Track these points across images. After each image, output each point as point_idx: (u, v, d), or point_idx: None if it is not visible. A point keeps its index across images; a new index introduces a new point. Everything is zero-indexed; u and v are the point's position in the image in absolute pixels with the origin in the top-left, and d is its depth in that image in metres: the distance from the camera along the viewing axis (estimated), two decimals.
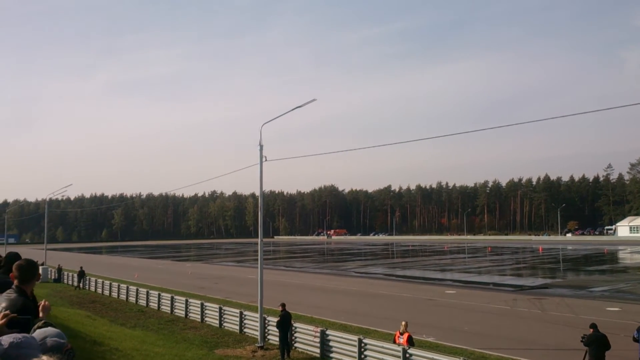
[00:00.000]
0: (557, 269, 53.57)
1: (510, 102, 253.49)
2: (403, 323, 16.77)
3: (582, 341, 14.68)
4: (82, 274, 43.79)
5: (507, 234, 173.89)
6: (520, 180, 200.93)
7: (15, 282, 4.04)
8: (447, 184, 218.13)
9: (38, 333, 3.03)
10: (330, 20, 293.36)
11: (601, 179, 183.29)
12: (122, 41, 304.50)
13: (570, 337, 18.99)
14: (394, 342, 16.59)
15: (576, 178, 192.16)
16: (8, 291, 3.98)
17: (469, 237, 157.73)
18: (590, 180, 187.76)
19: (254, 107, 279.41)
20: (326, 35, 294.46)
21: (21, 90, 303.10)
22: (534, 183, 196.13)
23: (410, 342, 16.25)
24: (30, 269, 4.15)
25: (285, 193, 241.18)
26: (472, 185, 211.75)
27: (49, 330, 3.10)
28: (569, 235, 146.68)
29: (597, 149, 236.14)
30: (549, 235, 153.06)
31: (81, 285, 43.35)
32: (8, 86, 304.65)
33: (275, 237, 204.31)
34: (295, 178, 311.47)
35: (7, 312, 4.09)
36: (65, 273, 49.50)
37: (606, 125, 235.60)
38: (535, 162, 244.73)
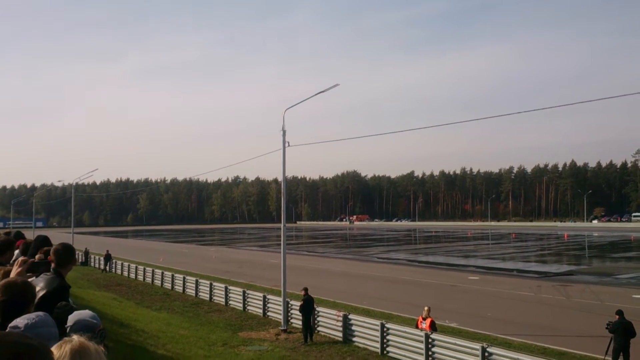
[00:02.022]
0: (582, 256, 52.92)
1: (537, 87, 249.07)
2: (426, 308, 16.81)
3: (607, 328, 14.55)
4: (108, 258, 44.61)
5: (531, 221, 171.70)
6: (546, 166, 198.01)
7: (53, 265, 4.30)
8: (471, 169, 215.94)
9: (73, 315, 3.13)
10: (354, 4, 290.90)
11: (629, 164, 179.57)
12: (146, 26, 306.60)
13: (595, 324, 18.81)
14: (417, 327, 16.65)
15: (603, 164, 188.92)
16: (46, 273, 4.24)
17: (492, 223, 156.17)
18: (618, 166, 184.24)
19: (277, 93, 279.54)
20: (350, 19, 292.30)
21: (49, 76, 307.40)
22: (560, 169, 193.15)
23: (433, 327, 16.29)
24: (66, 254, 4.40)
25: (307, 179, 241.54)
26: (497, 171, 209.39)
27: (84, 312, 3.20)
28: (595, 222, 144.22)
29: (626, 135, 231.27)
30: (575, 221, 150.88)
31: (108, 268, 44.18)
32: (37, 72, 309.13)
33: (298, 222, 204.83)
34: (317, 164, 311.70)
35: (26, 258, 4.32)
36: (92, 256, 50.45)
37: (635, 110, 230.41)
38: (561, 147, 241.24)
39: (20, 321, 2.39)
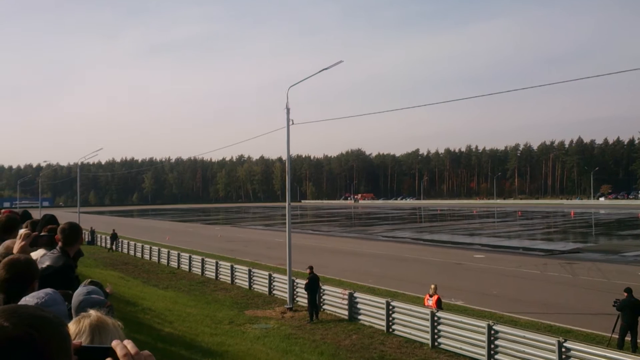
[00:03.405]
0: (589, 234, 52.79)
1: (543, 63, 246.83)
2: (432, 286, 16.80)
3: (614, 306, 14.46)
4: (114, 237, 44.81)
5: (538, 198, 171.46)
6: (552, 143, 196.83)
7: (60, 244, 4.31)
8: (476, 147, 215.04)
9: (80, 290, 3.07)
10: None
11: (636, 141, 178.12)
12: (148, 3, 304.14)
13: (602, 302, 18.73)
14: (424, 304, 16.65)
15: (610, 141, 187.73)
16: (53, 250, 4.26)
17: (498, 201, 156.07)
18: (625, 143, 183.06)
19: (280, 70, 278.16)
20: None
21: (52, 54, 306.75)
22: (567, 146, 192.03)
23: (439, 305, 16.30)
24: (72, 233, 4.43)
25: (312, 157, 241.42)
26: (503, 148, 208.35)
27: (90, 287, 3.14)
28: (601, 199, 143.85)
29: (633, 111, 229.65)
30: (581, 199, 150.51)
31: (114, 247, 44.40)
32: (39, 51, 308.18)
33: (303, 201, 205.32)
34: (322, 142, 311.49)
35: (29, 231, 4.28)
36: (98, 235, 50.71)
37: None
38: (568, 124, 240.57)
39: (30, 299, 2.35)
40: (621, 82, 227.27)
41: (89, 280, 3.48)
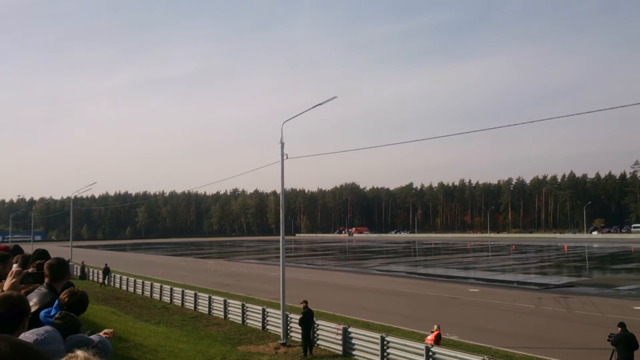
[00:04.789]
0: (582, 267, 52.77)
1: (535, 98, 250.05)
2: (435, 326, 16.94)
3: (609, 340, 14.44)
4: (107, 271, 44.42)
5: (531, 232, 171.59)
6: (545, 177, 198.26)
7: (46, 279, 4.27)
8: (470, 181, 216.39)
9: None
10: (351, 16, 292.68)
11: (628, 176, 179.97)
12: (143, 38, 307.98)
13: (596, 336, 18.69)
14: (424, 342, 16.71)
15: (602, 175, 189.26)
16: (39, 287, 4.21)
17: (492, 235, 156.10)
18: (617, 177, 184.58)
19: (275, 105, 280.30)
20: (347, 31, 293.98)
21: (46, 90, 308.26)
22: (559, 180, 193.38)
23: (437, 340, 16.29)
24: (60, 268, 4.40)
25: (306, 191, 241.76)
26: (496, 182, 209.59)
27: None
28: (594, 233, 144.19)
29: (624, 146, 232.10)
30: (575, 233, 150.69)
31: (106, 282, 43.97)
32: (33, 85, 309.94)
33: (297, 234, 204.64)
34: (316, 176, 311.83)
35: (20, 269, 4.31)
36: (90, 270, 50.23)
37: (633, 121, 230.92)
38: (560, 159, 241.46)
39: (29, 336, 2.38)
40: (612, 117, 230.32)
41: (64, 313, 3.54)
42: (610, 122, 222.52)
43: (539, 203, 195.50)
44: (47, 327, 2.63)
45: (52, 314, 3.72)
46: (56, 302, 3.89)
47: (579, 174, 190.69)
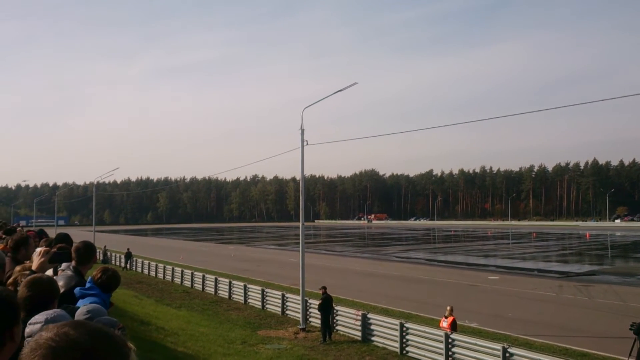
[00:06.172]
0: (605, 256, 52.12)
1: (558, 84, 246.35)
2: (448, 307, 16.74)
3: (631, 329, 14.28)
4: (129, 256, 45.06)
5: (553, 220, 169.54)
6: (567, 164, 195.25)
7: (73, 263, 4.34)
8: (491, 168, 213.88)
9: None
10: (372, 2, 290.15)
11: None
12: (165, 26, 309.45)
13: (618, 325, 18.48)
14: (439, 326, 16.57)
15: (626, 162, 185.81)
16: (65, 270, 4.29)
17: (513, 222, 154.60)
18: None
19: (295, 91, 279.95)
20: (368, 17, 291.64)
21: (69, 74, 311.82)
22: (582, 167, 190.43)
23: (454, 326, 16.19)
24: (87, 252, 4.46)
25: (325, 177, 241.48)
26: (517, 169, 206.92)
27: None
28: (617, 221, 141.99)
29: None
30: (597, 221, 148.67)
31: (128, 266, 44.62)
32: (57, 70, 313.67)
33: (316, 221, 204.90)
34: (336, 162, 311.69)
35: (48, 248, 4.40)
36: (113, 254, 50.99)
37: None
38: (583, 146, 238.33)
39: (40, 317, 2.43)
40: (638, 104, 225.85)
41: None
42: (636, 109, 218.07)
43: (560, 190, 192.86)
44: (57, 309, 2.69)
45: (87, 286, 3.83)
46: (89, 278, 3.99)
47: (602, 161, 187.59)
